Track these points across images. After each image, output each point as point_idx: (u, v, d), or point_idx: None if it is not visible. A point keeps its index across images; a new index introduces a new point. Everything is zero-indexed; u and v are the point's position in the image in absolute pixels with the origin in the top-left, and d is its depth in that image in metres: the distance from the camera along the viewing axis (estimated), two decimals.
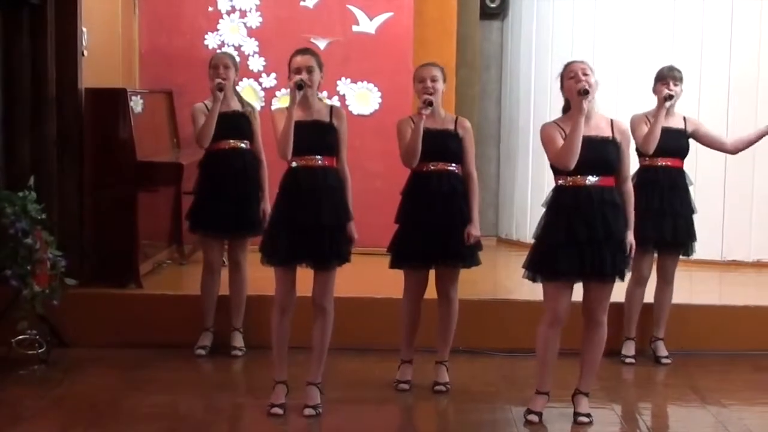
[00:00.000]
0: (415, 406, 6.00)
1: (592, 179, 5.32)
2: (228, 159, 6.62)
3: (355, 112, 8.76)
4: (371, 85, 8.78)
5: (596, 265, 5.32)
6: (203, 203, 6.67)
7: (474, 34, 9.42)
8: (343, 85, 8.77)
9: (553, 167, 5.42)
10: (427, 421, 5.95)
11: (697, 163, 8.50)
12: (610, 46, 8.94)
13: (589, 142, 5.28)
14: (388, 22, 8.75)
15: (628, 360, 6.75)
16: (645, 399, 6.32)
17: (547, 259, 5.38)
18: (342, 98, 8.78)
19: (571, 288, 5.45)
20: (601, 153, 5.34)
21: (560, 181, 5.39)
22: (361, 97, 8.79)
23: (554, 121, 5.46)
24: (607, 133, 5.39)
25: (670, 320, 6.83)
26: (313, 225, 5.43)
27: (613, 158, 5.37)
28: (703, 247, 8.02)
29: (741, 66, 8.65)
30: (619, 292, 6.67)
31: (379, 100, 8.78)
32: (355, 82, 8.78)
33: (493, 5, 9.69)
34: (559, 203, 5.39)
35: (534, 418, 5.54)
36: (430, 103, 5.72)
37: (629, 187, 5.49)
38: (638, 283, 6.74)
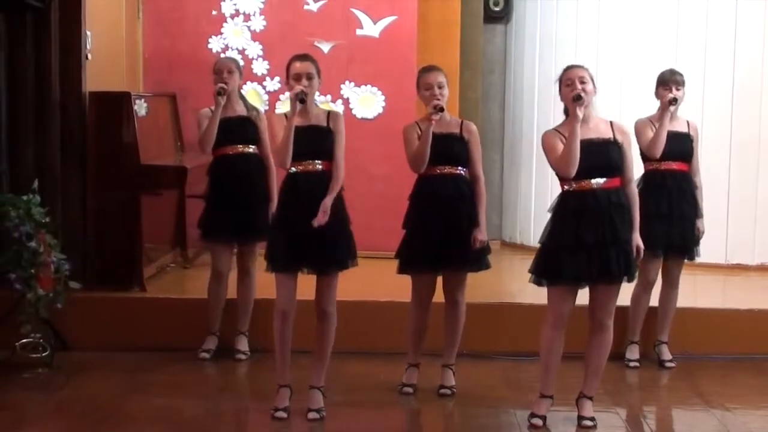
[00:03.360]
0: (418, 409, 5.99)
1: (597, 182, 5.33)
2: (234, 164, 6.61)
3: (359, 116, 8.77)
4: (375, 89, 8.78)
5: (603, 267, 5.32)
6: (212, 210, 6.67)
7: (477, 37, 9.41)
8: (347, 89, 8.77)
9: (557, 174, 5.44)
10: (430, 424, 5.95)
11: (702, 166, 8.52)
12: (613, 50, 8.94)
13: (590, 145, 5.30)
14: (392, 25, 8.75)
15: (632, 363, 6.75)
16: (649, 403, 6.32)
17: (554, 263, 5.38)
18: (346, 102, 8.78)
19: (576, 292, 5.45)
20: (604, 155, 5.35)
21: (566, 186, 5.39)
22: (365, 101, 8.79)
23: (555, 128, 5.48)
24: (608, 135, 5.41)
25: (674, 324, 6.83)
26: (312, 230, 5.42)
27: (617, 159, 5.38)
28: (707, 251, 8.02)
29: (745, 69, 8.64)
30: (624, 295, 6.68)
31: (383, 104, 8.78)
32: (359, 86, 8.79)
33: (496, 9, 9.69)
34: (566, 208, 5.39)
35: (538, 421, 5.54)
36: (441, 109, 5.72)
37: (633, 188, 5.49)
38: (645, 287, 6.73)
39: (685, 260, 6.83)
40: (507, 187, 9.89)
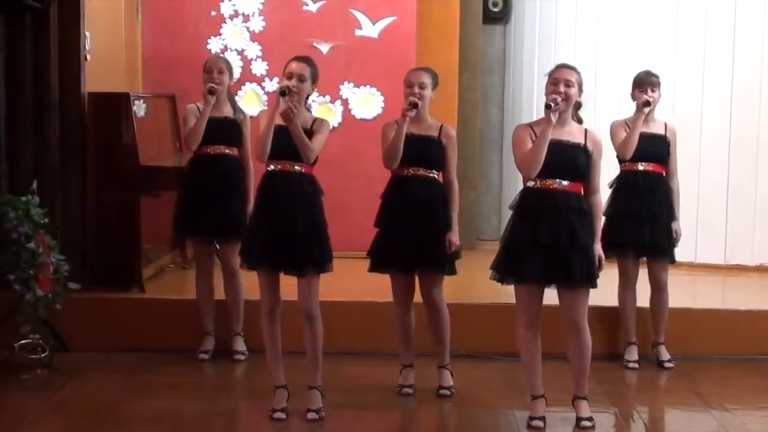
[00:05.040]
0: (417, 410, 5.99)
1: (560, 183, 5.33)
2: (213, 164, 6.61)
3: (358, 117, 8.77)
4: (374, 90, 8.79)
5: (563, 271, 5.31)
6: (188, 207, 6.69)
7: (477, 38, 9.42)
8: (346, 90, 8.77)
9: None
10: (429, 425, 5.95)
11: (700, 167, 8.54)
12: (612, 50, 8.94)
13: (560, 147, 5.30)
14: (391, 26, 8.76)
15: (631, 365, 6.74)
16: (648, 403, 6.32)
17: (513, 260, 5.39)
18: (345, 102, 8.78)
19: (542, 291, 5.44)
20: (571, 158, 5.34)
21: (529, 183, 5.40)
22: (364, 102, 8.80)
23: (528, 124, 5.49)
24: (579, 140, 5.40)
25: (673, 325, 6.82)
26: (287, 231, 5.43)
27: (583, 164, 5.37)
28: (706, 252, 8.04)
29: (744, 69, 8.64)
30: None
31: (382, 105, 8.78)
32: (358, 87, 8.79)
33: (495, 9, 9.70)
34: (525, 205, 5.40)
35: (539, 423, 5.53)
36: (415, 105, 5.74)
37: (598, 198, 5.47)
38: (626, 286, 6.75)
39: (681, 262, 6.82)
40: (506, 188, 9.89)
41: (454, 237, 5.87)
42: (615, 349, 6.82)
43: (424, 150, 5.84)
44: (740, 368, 6.78)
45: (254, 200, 5.67)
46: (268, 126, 5.37)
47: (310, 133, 5.48)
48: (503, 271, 5.44)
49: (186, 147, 6.70)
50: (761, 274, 8.61)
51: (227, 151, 6.63)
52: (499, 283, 5.51)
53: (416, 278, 6.02)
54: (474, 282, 6.47)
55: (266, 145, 5.38)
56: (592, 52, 9.00)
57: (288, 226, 5.43)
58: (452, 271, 5.98)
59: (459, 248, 5.93)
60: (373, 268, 5.98)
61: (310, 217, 5.47)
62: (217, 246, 6.82)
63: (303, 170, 5.49)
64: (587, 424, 5.53)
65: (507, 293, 6.60)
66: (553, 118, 5.23)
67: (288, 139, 5.41)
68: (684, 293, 7.04)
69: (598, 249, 5.43)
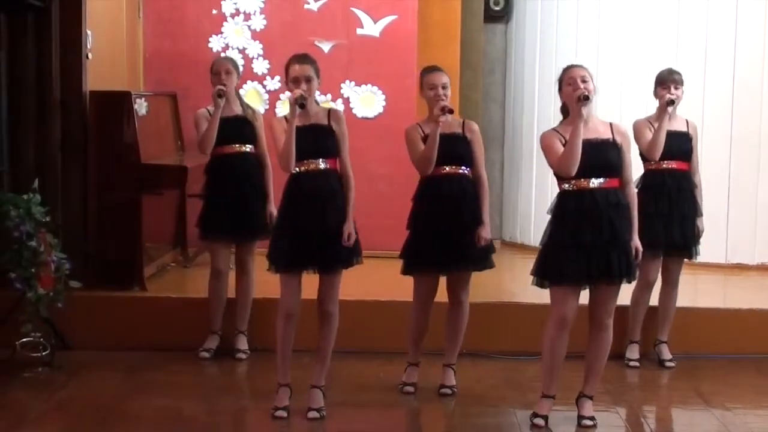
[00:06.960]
0: (419, 409, 5.99)
1: (596, 182, 5.33)
2: (232, 163, 6.63)
3: (359, 116, 8.77)
4: (375, 88, 8.78)
5: (603, 268, 5.32)
6: (210, 209, 6.68)
7: (478, 37, 9.41)
8: (347, 88, 8.77)
9: (556, 173, 5.43)
10: (431, 424, 5.95)
11: (701, 165, 8.51)
12: (614, 49, 8.94)
13: (589, 145, 5.28)
14: (392, 25, 8.75)
15: (632, 363, 6.75)
16: (649, 402, 6.32)
17: (555, 264, 5.38)
18: (346, 101, 8.78)
19: (579, 291, 5.44)
20: (602, 155, 5.34)
21: (564, 186, 5.38)
22: (365, 101, 8.79)
23: (553, 129, 5.48)
24: (607, 136, 5.40)
25: (675, 323, 6.83)
26: (317, 229, 5.43)
27: (615, 160, 5.38)
28: (707, 250, 8.01)
29: (745, 67, 8.63)
30: (624, 295, 6.68)
31: (383, 103, 8.77)
32: (359, 85, 8.78)
33: (497, 8, 9.70)
34: (565, 208, 5.39)
35: (540, 421, 5.54)
36: (450, 111, 5.71)
37: (632, 190, 5.49)
38: (645, 287, 6.74)
39: (685, 260, 6.84)
40: (507, 187, 9.90)
41: (484, 232, 5.83)
42: (617, 349, 6.79)
43: (450, 148, 5.82)
44: (741, 367, 6.78)
45: (281, 202, 5.63)
46: (289, 137, 5.35)
47: (329, 130, 5.49)
48: (543, 274, 5.44)
49: (200, 151, 6.68)
50: (762, 273, 8.61)
51: (242, 148, 6.64)
52: (540, 288, 5.50)
53: (440, 280, 6.00)
54: (476, 280, 6.44)
55: (291, 157, 5.37)
56: (593, 50, 8.99)
57: (320, 227, 5.42)
58: (486, 266, 5.96)
59: (490, 242, 5.92)
60: (407, 271, 5.95)
61: (339, 213, 5.46)
62: (233, 245, 6.82)
63: (329, 166, 5.50)
64: (588, 423, 5.54)
65: (509, 292, 6.61)
66: (584, 112, 5.23)
67: (309, 139, 5.43)
68: (685, 292, 7.04)
69: (636, 241, 5.43)
